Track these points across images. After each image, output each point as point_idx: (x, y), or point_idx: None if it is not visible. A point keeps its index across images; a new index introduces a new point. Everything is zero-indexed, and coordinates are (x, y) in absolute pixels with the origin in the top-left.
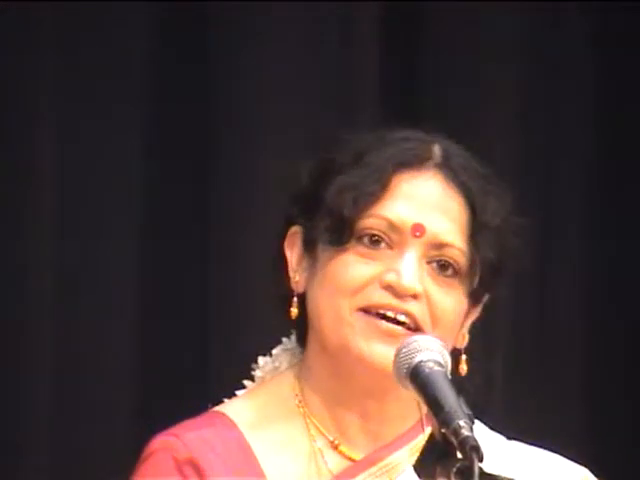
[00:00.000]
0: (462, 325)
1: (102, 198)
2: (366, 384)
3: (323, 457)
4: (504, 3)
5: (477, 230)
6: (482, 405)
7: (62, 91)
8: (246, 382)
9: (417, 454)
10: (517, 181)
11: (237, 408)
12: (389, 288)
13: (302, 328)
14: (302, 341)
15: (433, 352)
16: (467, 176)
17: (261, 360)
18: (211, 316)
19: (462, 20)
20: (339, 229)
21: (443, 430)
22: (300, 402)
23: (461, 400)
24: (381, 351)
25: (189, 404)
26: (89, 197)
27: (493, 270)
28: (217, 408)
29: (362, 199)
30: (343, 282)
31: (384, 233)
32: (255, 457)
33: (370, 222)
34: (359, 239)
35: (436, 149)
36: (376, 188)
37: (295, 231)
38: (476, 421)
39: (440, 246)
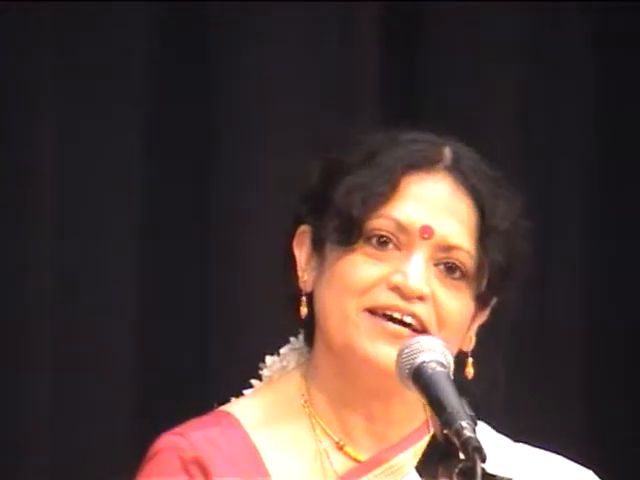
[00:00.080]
0: (469, 328)
1: (102, 198)
2: (371, 385)
3: (329, 458)
4: (504, 3)
5: (486, 233)
6: (486, 407)
7: (62, 91)
8: (253, 381)
9: None
10: (517, 181)
11: (243, 407)
12: (396, 289)
13: (310, 327)
14: (309, 340)
15: (435, 353)
16: (477, 179)
17: (269, 359)
18: (211, 316)
19: (462, 20)
20: (347, 229)
21: (445, 431)
22: (306, 402)
23: (463, 401)
24: (386, 352)
25: (189, 404)
26: (89, 197)
27: (502, 273)
28: (223, 407)
29: (371, 200)
30: (350, 282)
31: (392, 234)
32: (260, 457)
33: (379, 223)
34: (367, 240)
35: (447, 151)
36: (385, 189)
37: (304, 230)
38: (482, 423)
39: (448, 248)
